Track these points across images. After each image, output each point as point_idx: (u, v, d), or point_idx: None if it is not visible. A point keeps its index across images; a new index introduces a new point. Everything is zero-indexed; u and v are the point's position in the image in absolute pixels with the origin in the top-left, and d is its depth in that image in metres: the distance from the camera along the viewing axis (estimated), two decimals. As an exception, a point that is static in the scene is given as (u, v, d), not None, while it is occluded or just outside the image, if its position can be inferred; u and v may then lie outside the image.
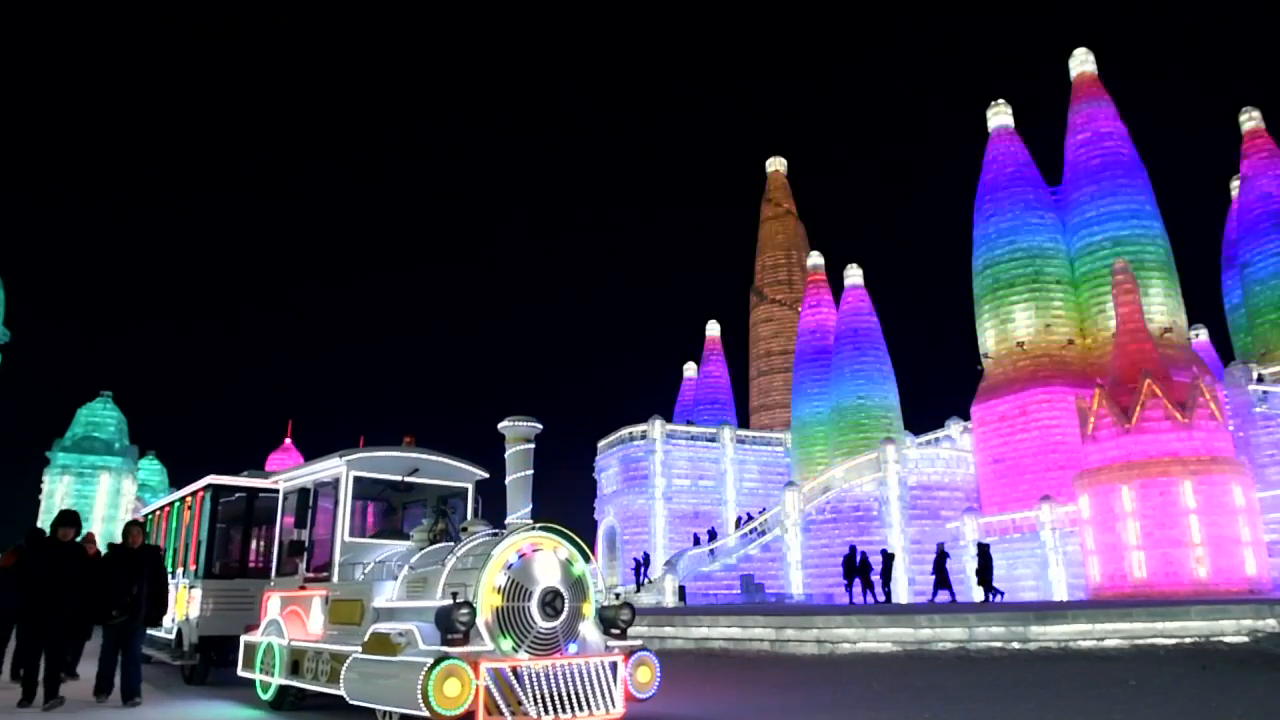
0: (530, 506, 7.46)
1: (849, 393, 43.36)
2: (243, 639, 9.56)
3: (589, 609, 6.86)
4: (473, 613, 6.15)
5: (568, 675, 6.25)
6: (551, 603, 6.46)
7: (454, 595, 6.22)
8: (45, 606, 8.53)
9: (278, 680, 8.51)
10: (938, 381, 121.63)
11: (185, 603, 12.02)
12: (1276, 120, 46.98)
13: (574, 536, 7.00)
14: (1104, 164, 38.56)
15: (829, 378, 45.28)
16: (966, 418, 40.03)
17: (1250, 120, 43.51)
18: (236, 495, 12.42)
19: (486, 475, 9.41)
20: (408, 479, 8.87)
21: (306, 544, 8.68)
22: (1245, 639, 12.33)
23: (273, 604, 9.25)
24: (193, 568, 12.07)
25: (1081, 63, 40.92)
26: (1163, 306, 35.86)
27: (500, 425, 7.51)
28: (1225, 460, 25.68)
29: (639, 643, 7.05)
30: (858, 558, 26.58)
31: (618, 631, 7.01)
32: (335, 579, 8.21)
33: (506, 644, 6.31)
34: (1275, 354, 37.16)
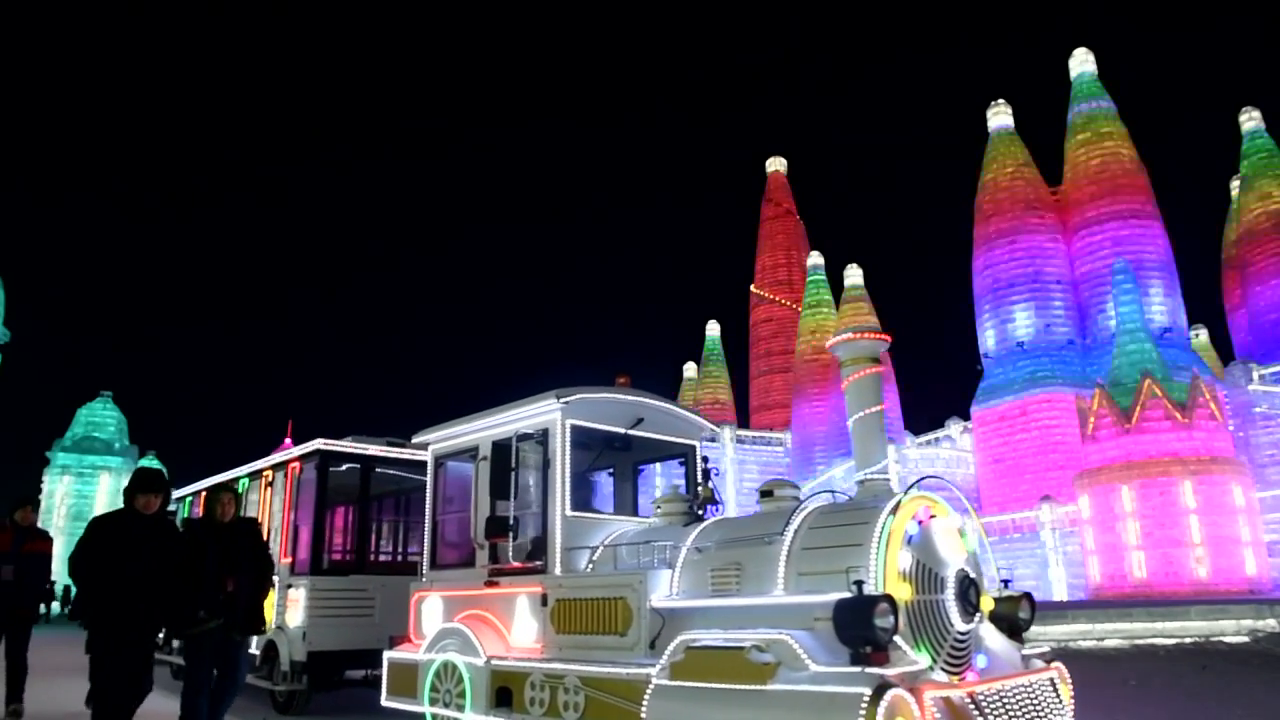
0: (884, 459, 5.34)
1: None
2: (389, 656, 7.15)
3: (987, 602, 4.90)
4: (896, 612, 4.12)
5: (1019, 703, 4.33)
6: (967, 594, 4.58)
7: (858, 584, 4.22)
8: (121, 612, 5.46)
9: (479, 717, 6.03)
10: (938, 381, 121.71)
11: (281, 607, 9.26)
12: (1277, 120, 47.01)
13: (957, 492, 5.29)
14: (1104, 164, 38.57)
15: (829, 378, 45.29)
16: (966, 418, 40.03)
17: (1250, 120, 43.55)
18: (347, 466, 9.46)
19: (715, 431, 7.80)
20: (631, 431, 6.69)
21: (512, 521, 6.20)
22: (1245, 639, 12.34)
23: (434, 606, 6.96)
24: (286, 560, 9.37)
25: (1081, 63, 40.93)
26: (1163, 306, 35.87)
27: (831, 343, 5.49)
28: (1225, 460, 25.70)
29: (1046, 649, 5.16)
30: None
31: (1017, 633, 5.08)
32: (557, 569, 5.95)
33: (923, 657, 4.30)
34: (1275, 354, 37.16)
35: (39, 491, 54.30)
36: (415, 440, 7.60)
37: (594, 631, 5.54)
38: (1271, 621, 12.54)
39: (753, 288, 62.38)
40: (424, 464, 7.93)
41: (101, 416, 56.70)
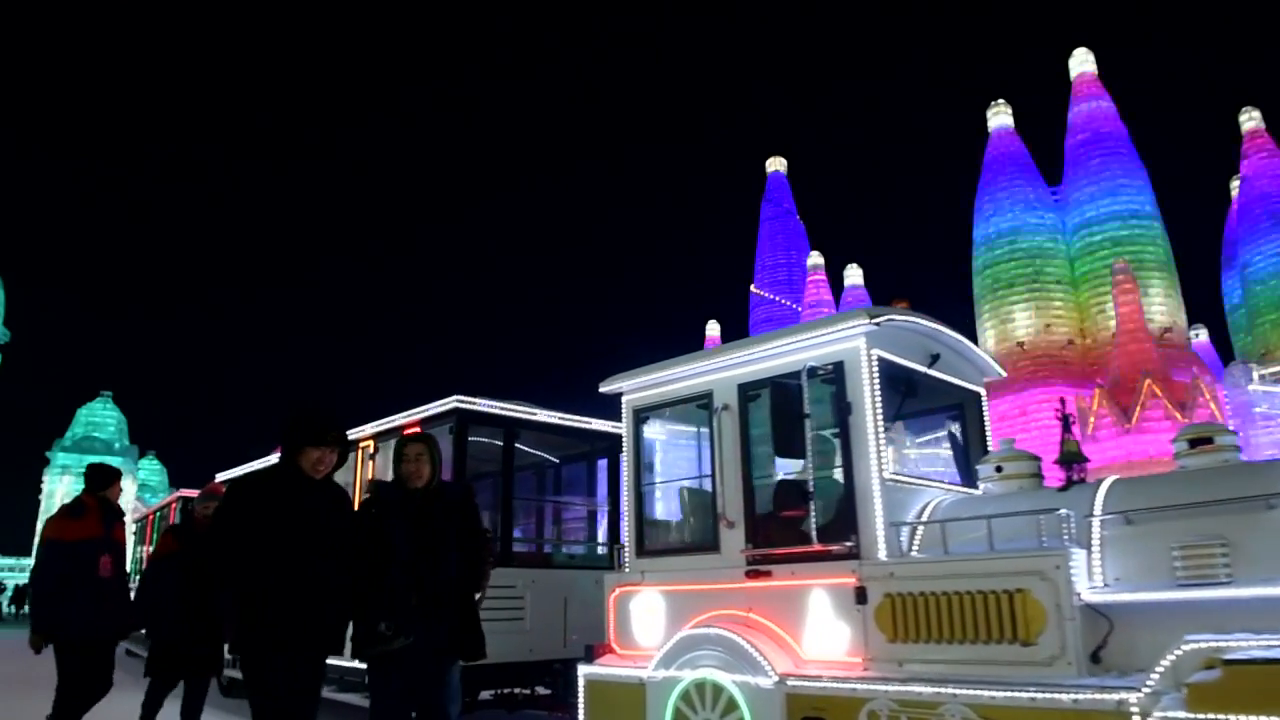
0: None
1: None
2: (589, 673, 5.39)
3: None
4: None
5: None
6: None
7: None
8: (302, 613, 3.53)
9: None
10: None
11: None
12: (1276, 120, 47.01)
13: None
14: (1104, 164, 38.61)
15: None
16: (966, 418, 39.99)
17: (1250, 120, 43.52)
18: (487, 431, 7.64)
19: (1001, 375, 6.51)
20: (930, 371, 5.36)
21: (810, 487, 4.59)
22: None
23: (650, 606, 5.29)
24: None
25: (1081, 63, 40.90)
26: (1163, 306, 35.88)
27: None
28: (1225, 460, 25.71)
29: None
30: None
31: None
32: (880, 552, 4.44)
33: None
34: (1275, 354, 37.20)
35: (39, 491, 54.27)
36: (605, 388, 5.95)
37: (967, 639, 3.97)
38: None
39: (753, 288, 62.32)
40: (581, 431, 7.09)
41: (101, 416, 56.76)
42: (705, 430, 5.53)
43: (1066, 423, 5.53)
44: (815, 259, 55.43)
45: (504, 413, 7.53)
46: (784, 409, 4.72)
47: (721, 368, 5.28)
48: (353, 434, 7.97)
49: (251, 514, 3.53)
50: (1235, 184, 46.97)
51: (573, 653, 6.12)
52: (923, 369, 5.27)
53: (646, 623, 5.34)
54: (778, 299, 62.14)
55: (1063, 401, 5.84)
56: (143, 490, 58.93)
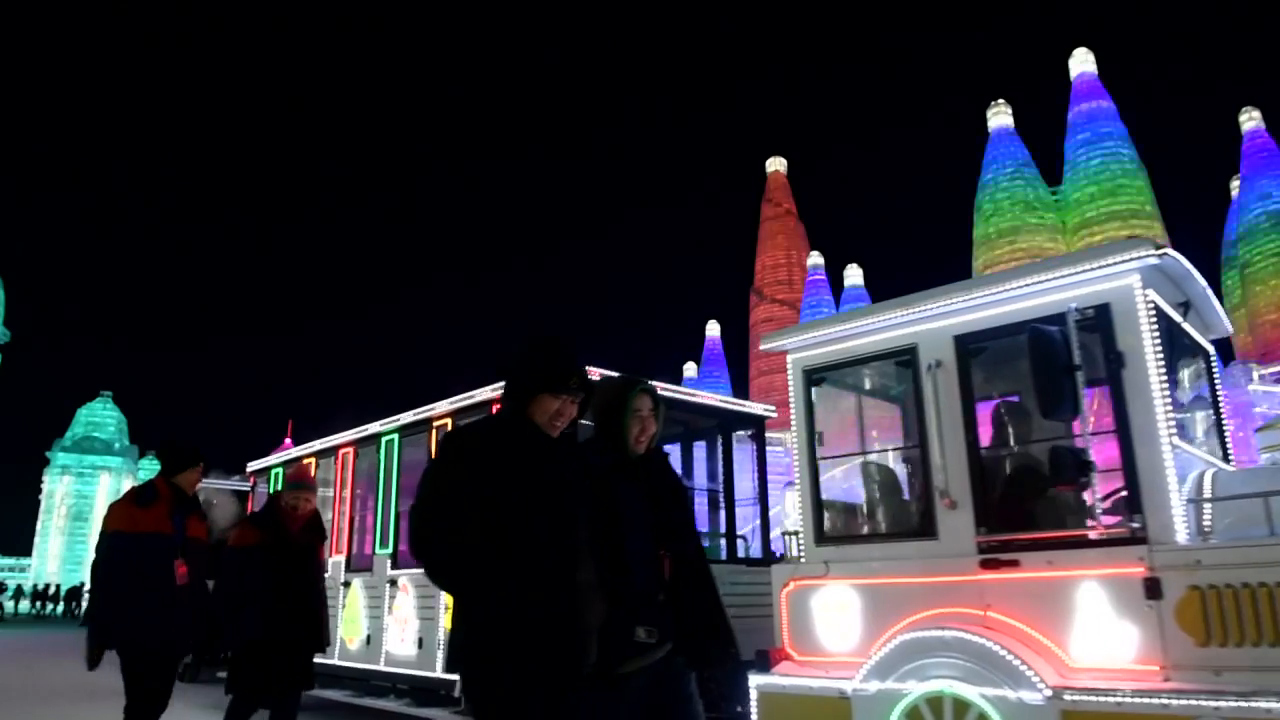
0: None
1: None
2: (767, 684, 4.61)
3: None
4: None
5: None
6: None
7: None
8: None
9: None
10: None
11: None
12: (1276, 120, 46.99)
13: None
14: (1104, 164, 38.62)
15: (829, 378, 45.32)
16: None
17: (1250, 120, 43.53)
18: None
19: (1229, 331, 5.22)
20: (1183, 321, 4.63)
21: (1089, 456, 3.80)
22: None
23: (841, 602, 4.48)
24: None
25: (1081, 63, 40.92)
26: (1163, 306, 35.92)
27: None
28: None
29: None
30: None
31: None
32: (1179, 534, 3.65)
33: None
34: (1275, 354, 37.20)
35: (39, 491, 54.34)
36: (766, 346, 5.14)
37: None
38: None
39: (753, 288, 62.35)
40: (706, 407, 6.44)
41: (101, 416, 56.72)
42: (891, 392, 4.90)
43: None
44: (815, 259, 55.67)
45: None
46: (1050, 360, 3.83)
47: (928, 316, 4.43)
48: (427, 412, 7.54)
49: (480, 485, 2.46)
50: (1235, 184, 47.04)
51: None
52: (1178, 318, 4.42)
53: (837, 624, 4.45)
54: (778, 299, 62.22)
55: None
56: (143, 490, 59.13)
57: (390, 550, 7.77)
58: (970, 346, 4.32)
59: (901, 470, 4.90)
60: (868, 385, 5.20)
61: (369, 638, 7.62)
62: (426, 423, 7.55)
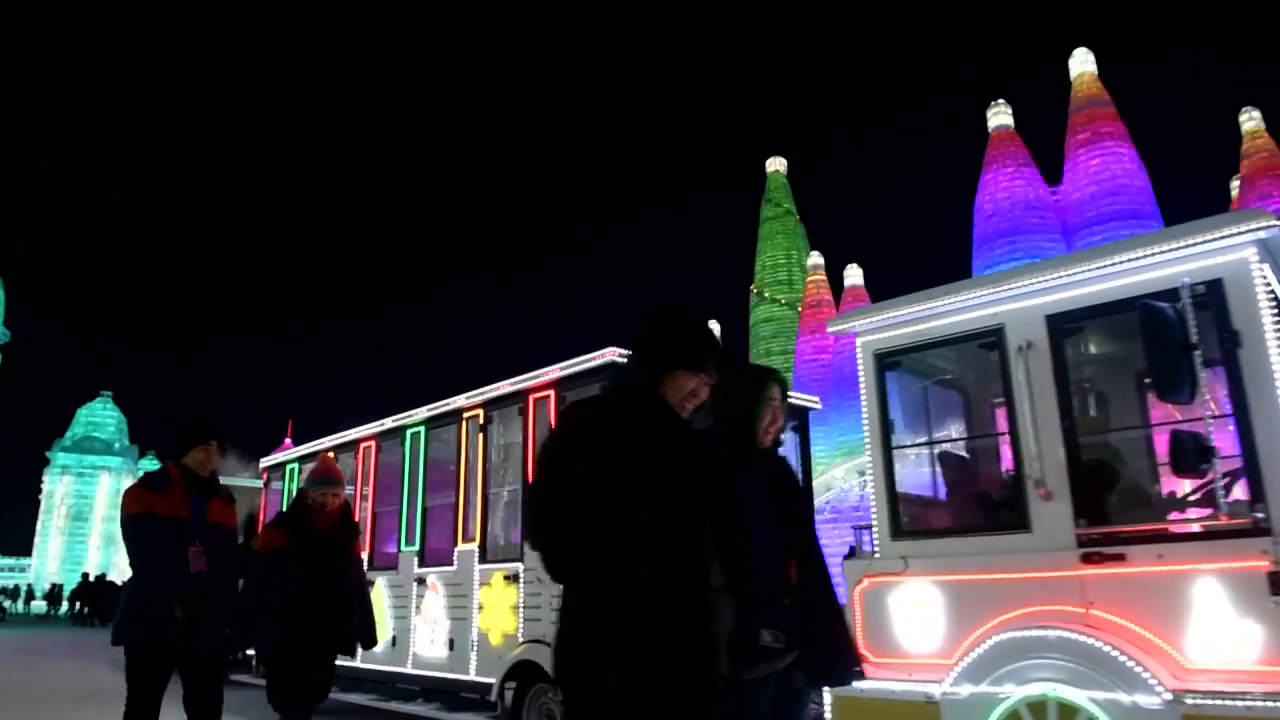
0: None
1: (851, 394, 43.46)
2: (841, 691, 4.16)
3: None
4: None
5: None
6: None
7: None
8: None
9: None
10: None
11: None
12: (1277, 120, 47.05)
13: None
14: (1104, 164, 38.65)
15: (830, 379, 45.34)
16: (967, 418, 39.99)
17: (1250, 120, 43.54)
18: None
19: None
20: None
21: (1210, 441, 3.53)
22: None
23: (921, 599, 4.15)
24: None
25: (1081, 63, 40.87)
26: (1163, 306, 35.93)
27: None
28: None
29: None
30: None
31: None
32: None
33: None
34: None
35: (39, 491, 54.33)
36: (834, 328, 4.96)
37: None
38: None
39: (753, 288, 62.31)
40: None
41: (101, 416, 56.73)
42: (971, 378, 4.56)
43: None
44: (815, 259, 55.48)
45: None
46: (1165, 339, 3.54)
47: (1015, 295, 4.15)
48: (458, 402, 7.28)
49: (612, 467, 2.12)
50: (1235, 184, 47.05)
51: None
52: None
53: (918, 623, 4.12)
54: (778, 299, 62.24)
55: None
56: (143, 490, 59.06)
57: (417, 547, 7.60)
58: (1065, 326, 4.05)
59: (982, 460, 4.59)
60: (936, 370, 4.89)
61: (395, 639, 7.45)
62: (455, 414, 7.37)
